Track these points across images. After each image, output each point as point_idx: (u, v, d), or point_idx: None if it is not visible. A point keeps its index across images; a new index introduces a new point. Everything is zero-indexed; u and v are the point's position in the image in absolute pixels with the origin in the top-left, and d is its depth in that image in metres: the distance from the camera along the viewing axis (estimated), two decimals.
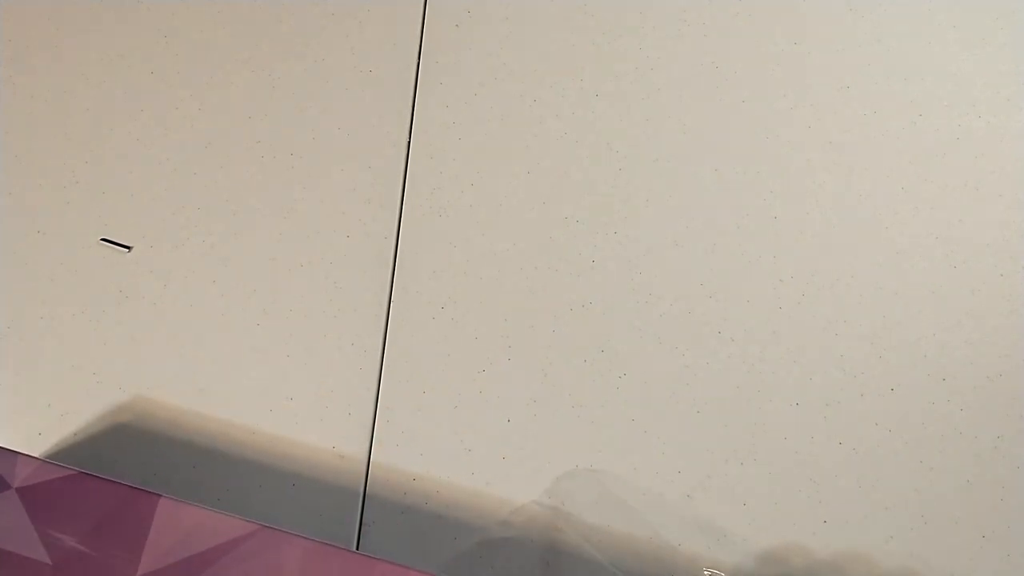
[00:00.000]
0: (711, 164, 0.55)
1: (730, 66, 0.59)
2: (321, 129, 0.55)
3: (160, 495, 0.38)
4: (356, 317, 0.50)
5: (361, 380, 0.49)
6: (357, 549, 0.46)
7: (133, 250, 0.51)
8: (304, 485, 0.46)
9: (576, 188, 0.54)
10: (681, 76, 0.58)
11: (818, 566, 0.47)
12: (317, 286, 0.51)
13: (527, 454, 0.47)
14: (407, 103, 0.56)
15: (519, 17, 0.60)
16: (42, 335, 0.49)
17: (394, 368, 0.49)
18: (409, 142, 0.55)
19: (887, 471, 0.49)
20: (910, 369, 0.51)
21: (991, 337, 0.52)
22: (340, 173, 0.54)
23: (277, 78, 0.57)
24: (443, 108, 0.56)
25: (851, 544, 0.47)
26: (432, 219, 0.53)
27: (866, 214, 0.55)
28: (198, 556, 0.36)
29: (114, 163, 0.53)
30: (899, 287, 0.53)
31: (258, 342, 0.50)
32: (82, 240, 0.51)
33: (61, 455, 0.47)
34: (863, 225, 0.55)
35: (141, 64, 0.56)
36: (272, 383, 0.49)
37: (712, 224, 0.54)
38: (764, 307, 0.52)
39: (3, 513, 0.36)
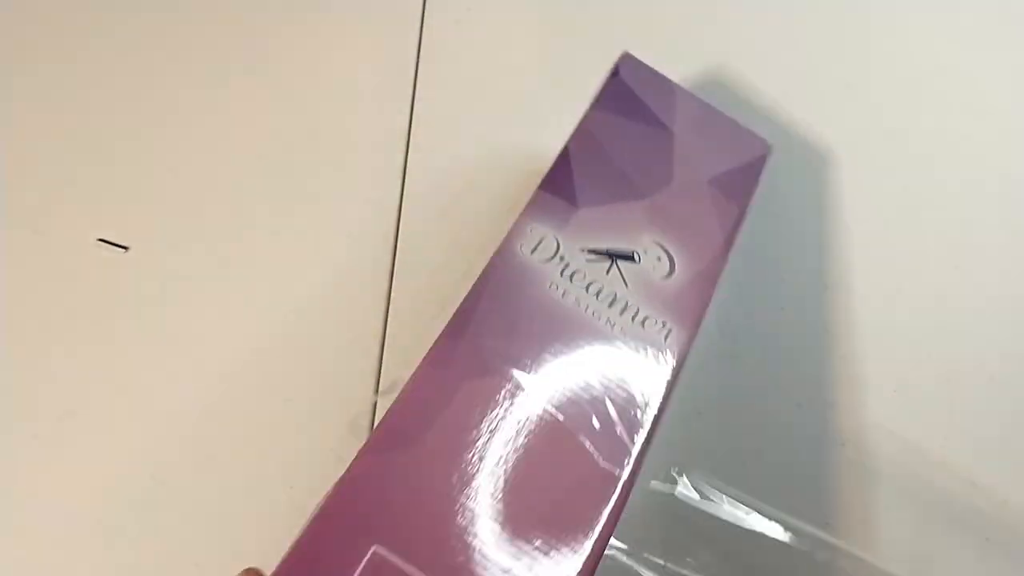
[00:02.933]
0: None
1: (729, 67, 0.59)
2: (321, 129, 0.55)
3: None
4: (356, 317, 0.50)
5: (361, 380, 0.49)
6: None
7: (131, 250, 0.51)
8: (303, 487, 0.46)
9: None
10: (682, 75, 0.58)
11: (819, 568, 0.47)
12: (317, 286, 0.51)
13: None
14: (407, 103, 0.56)
15: (519, 17, 0.60)
16: (41, 335, 0.49)
17: (394, 368, 0.49)
18: (409, 141, 0.55)
19: (888, 472, 0.49)
20: (912, 369, 0.51)
21: (993, 337, 0.52)
22: (340, 173, 0.54)
23: (277, 78, 0.57)
24: (443, 108, 0.56)
25: (852, 545, 0.47)
26: (432, 219, 0.53)
27: (866, 213, 0.55)
28: None
29: (113, 163, 0.53)
30: (900, 287, 0.53)
31: (258, 342, 0.50)
32: (80, 240, 0.51)
33: None
34: (864, 224, 0.55)
35: (141, 64, 0.56)
36: (272, 383, 0.49)
37: None
38: (764, 307, 0.52)
39: None
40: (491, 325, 0.35)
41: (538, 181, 0.40)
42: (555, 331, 0.36)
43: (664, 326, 0.37)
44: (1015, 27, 0.62)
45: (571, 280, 0.37)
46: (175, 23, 0.58)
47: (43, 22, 0.57)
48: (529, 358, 0.35)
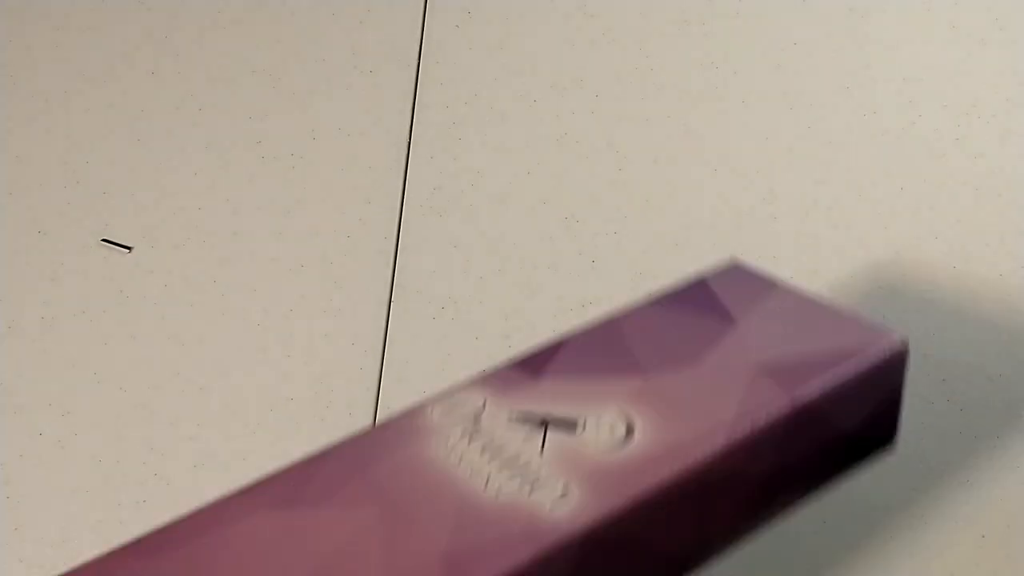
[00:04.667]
0: (711, 164, 0.56)
1: (730, 66, 0.59)
2: (321, 129, 0.55)
3: None
4: (356, 317, 0.51)
5: (361, 380, 0.49)
6: None
7: (133, 250, 0.51)
8: None
9: (576, 188, 0.54)
10: (681, 76, 0.58)
11: (818, 567, 0.47)
12: (317, 286, 0.51)
13: None
14: (407, 103, 0.57)
15: (519, 17, 0.60)
16: (42, 335, 0.49)
17: (394, 368, 0.49)
18: (409, 142, 0.55)
19: (888, 471, 0.49)
20: (911, 369, 0.51)
21: (992, 337, 0.52)
22: (340, 173, 0.54)
23: (277, 78, 0.57)
24: (443, 108, 0.56)
25: (852, 545, 0.47)
26: (432, 219, 0.53)
27: (866, 213, 0.55)
28: None
29: (114, 163, 0.54)
30: (900, 287, 0.53)
31: (258, 342, 0.50)
32: (82, 240, 0.51)
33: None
34: (863, 224, 0.55)
35: (141, 64, 0.56)
36: (272, 383, 0.49)
37: (712, 224, 0.54)
38: None
39: None
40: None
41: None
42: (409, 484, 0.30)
43: (562, 489, 0.29)
44: (1015, 27, 0.63)
45: (469, 443, 0.31)
46: (177, 24, 0.58)
47: (44, 23, 0.58)
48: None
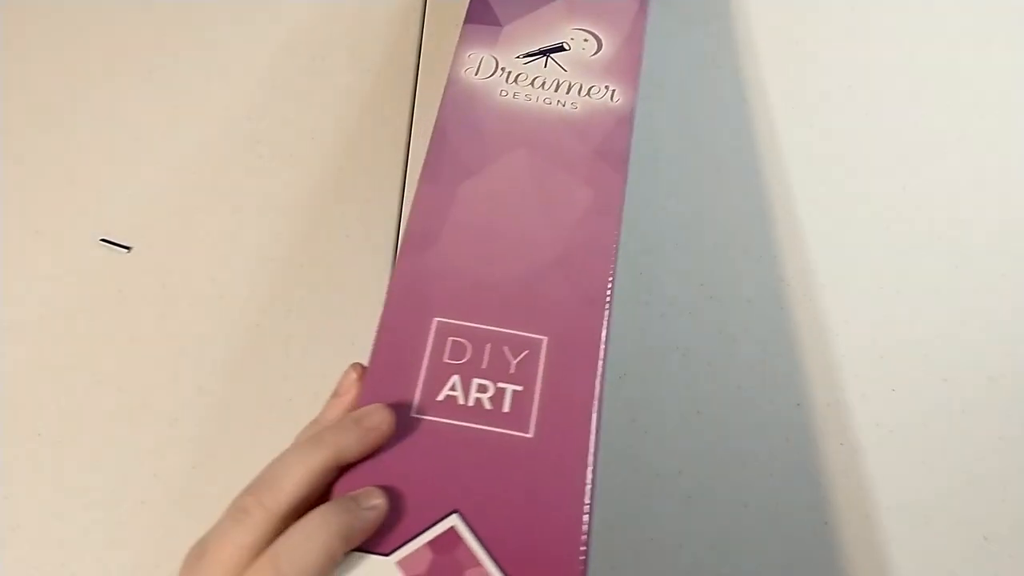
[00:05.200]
0: (711, 164, 0.55)
1: (729, 66, 0.59)
2: (321, 129, 0.55)
3: None
4: (356, 317, 0.50)
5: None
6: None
7: (132, 250, 0.51)
8: None
9: None
10: (681, 76, 0.58)
11: (819, 568, 0.47)
12: (317, 286, 0.51)
13: None
14: (407, 103, 0.56)
15: None
16: (42, 335, 0.49)
17: None
18: (409, 142, 0.55)
19: (888, 472, 0.49)
20: (911, 369, 0.51)
21: (992, 337, 0.52)
22: (340, 173, 0.54)
23: (277, 78, 0.57)
24: None
25: (851, 545, 0.47)
26: None
27: (866, 213, 0.55)
28: None
29: (114, 163, 0.53)
30: (900, 287, 0.53)
31: (258, 342, 0.50)
32: (82, 240, 0.51)
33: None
34: (863, 225, 0.55)
35: (141, 64, 0.56)
36: (272, 383, 0.49)
37: (712, 224, 0.54)
38: (764, 307, 0.52)
39: None
40: (461, 138, 0.42)
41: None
42: (517, 126, 0.43)
43: (607, 89, 0.45)
44: (1015, 27, 0.62)
45: (516, 83, 0.44)
46: (177, 24, 0.58)
47: (44, 22, 0.57)
48: (502, 150, 0.42)
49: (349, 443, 0.34)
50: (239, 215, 0.53)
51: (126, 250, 0.51)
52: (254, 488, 0.34)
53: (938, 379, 0.51)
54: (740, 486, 0.48)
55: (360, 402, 0.36)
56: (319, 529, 0.32)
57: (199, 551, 0.33)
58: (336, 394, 0.38)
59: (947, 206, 0.56)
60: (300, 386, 0.49)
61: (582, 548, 0.33)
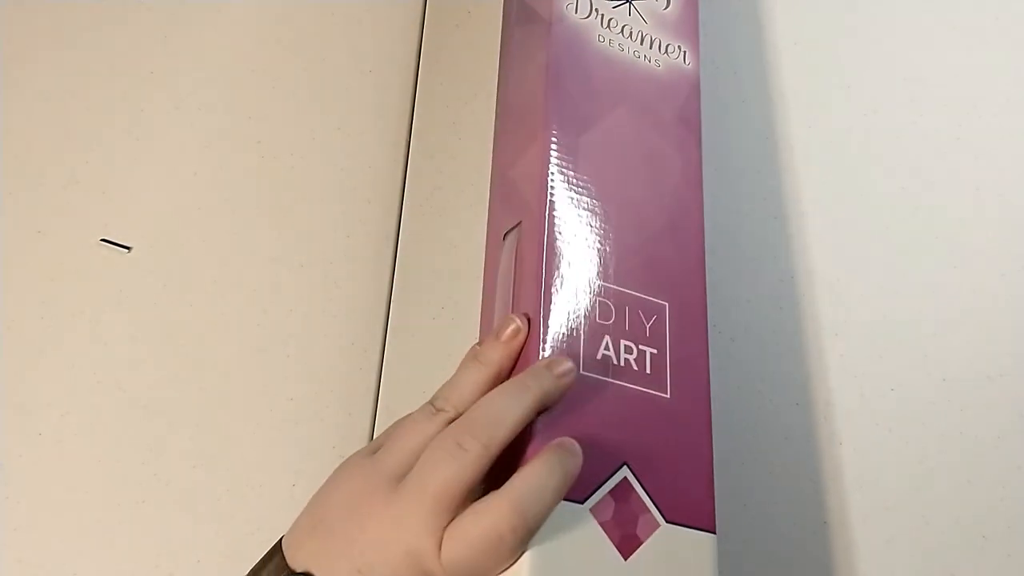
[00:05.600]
0: (712, 164, 0.55)
1: (730, 66, 0.59)
2: (321, 129, 0.55)
3: None
4: (356, 317, 0.50)
5: (361, 380, 0.49)
6: None
7: (133, 250, 0.51)
8: (304, 486, 0.46)
9: None
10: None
11: (818, 567, 0.47)
12: (317, 286, 0.51)
13: None
14: (407, 103, 0.56)
15: None
16: (42, 335, 0.49)
17: (394, 368, 0.49)
18: (409, 142, 0.55)
19: (887, 471, 0.49)
20: (910, 369, 0.51)
21: (992, 337, 0.52)
22: (340, 173, 0.54)
23: (277, 78, 0.57)
24: (443, 108, 0.56)
25: (851, 545, 0.47)
26: (432, 219, 0.53)
27: (867, 213, 0.55)
28: None
29: (114, 163, 0.53)
30: (899, 287, 0.53)
31: (258, 342, 0.50)
32: (82, 240, 0.51)
33: None
34: (864, 224, 0.55)
35: (141, 64, 0.56)
36: (272, 383, 0.49)
37: (712, 224, 0.54)
38: (764, 307, 0.52)
39: None
40: (574, 84, 0.44)
41: None
42: (617, 80, 0.45)
43: (680, 50, 0.47)
44: (1015, 27, 0.63)
45: (610, 28, 0.46)
46: (176, 24, 0.58)
47: (44, 22, 0.57)
48: (608, 106, 0.44)
49: (549, 388, 0.36)
50: (239, 215, 0.53)
51: (126, 250, 0.51)
52: (469, 427, 0.35)
53: (938, 379, 0.51)
54: (740, 486, 0.48)
55: (529, 352, 0.38)
56: (552, 475, 0.33)
57: (384, 471, 0.35)
58: (498, 338, 0.38)
59: (947, 206, 0.56)
60: (300, 386, 0.49)
61: (712, 491, 0.38)
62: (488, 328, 0.42)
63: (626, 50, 0.46)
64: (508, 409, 0.35)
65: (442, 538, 0.33)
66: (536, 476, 0.33)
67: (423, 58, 0.58)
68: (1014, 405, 0.51)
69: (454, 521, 0.33)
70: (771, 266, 0.53)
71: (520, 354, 0.38)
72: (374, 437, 0.48)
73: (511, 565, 0.34)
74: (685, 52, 0.47)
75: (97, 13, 0.58)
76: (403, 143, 0.55)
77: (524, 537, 0.33)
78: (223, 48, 0.57)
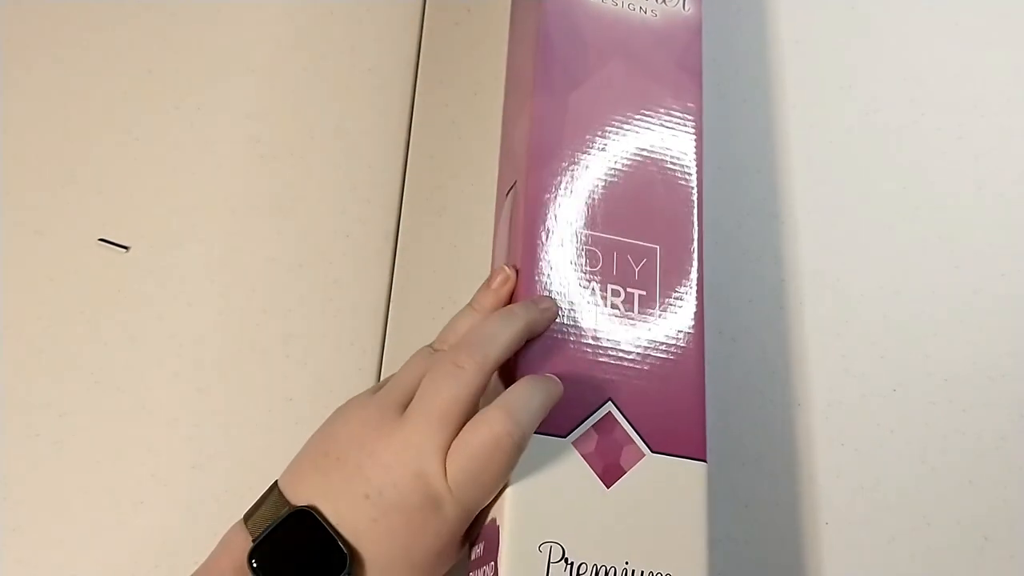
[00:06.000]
0: (712, 163, 0.55)
1: (730, 66, 0.59)
2: (321, 129, 0.55)
3: None
4: (356, 317, 0.50)
5: (361, 380, 0.49)
6: None
7: (131, 250, 0.51)
8: None
9: None
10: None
11: (819, 568, 0.47)
12: (317, 286, 0.51)
13: None
14: (407, 103, 0.56)
15: None
16: (41, 335, 0.49)
17: (394, 368, 0.49)
18: (409, 142, 0.55)
19: (889, 472, 0.49)
20: (911, 369, 0.51)
21: (993, 337, 0.52)
22: (340, 173, 0.54)
23: (277, 78, 0.56)
24: (443, 108, 0.56)
25: (853, 546, 0.47)
26: (432, 219, 0.53)
27: (867, 213, 0.55)
28: None
29: (113, 163, 0.53)
30: (900, 287, 0.53)
31: (258, 342, 0.49)
32: (80, 240, 0.51)
33: None
34: (864, 224, 0.55)
35: (140, 64, 0.56)
36: (271, 383, 0.49)
37: (713, 223, 0.54)
38: (764, 307, 0.52)
39: None
40: (565, 46, 0.46)
41: None
42: (610, 34, 0.46)
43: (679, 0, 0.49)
44: (1017, 26, 0.62)
45: None
46: (175, 23, 0.58)
47: (43, 22, 0.57)
48: (601, 60, 0.46)
49: (535, 316, 0.39)
50: (239, 215, 0.52)
51: (125, 250, 0.51)
52: (465, 347, 0.37)
53: (938, 379, 0.51)
54: (740, 486, 0.48)
55: (519, 299, 0.41)
56: (535, 391, 0.36)
57: (389, 402, 0.38)
58: (488, 286, 0.42)
59: (947, 206, 0.56)
60: (300, 386, 0.49)
61: (704, 425, 0.40)
62: None
63: (620, 4, 0.47)
64: (500, 330, 0.38)
65: (447, 456, 0.35)
66: (523, 389, 0.36)
67: (423, 57, 0.58)
68: (1015, 405, 0.51)
69: (456, 437, 0.35)
70: (772, 266, 0.53)
71: (510, 301, 0.41)
72: None
73: (503, 491, 0.37)
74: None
75: (96, 13, 0.58)
76: (403, 143, 0.55)
77: (519, 442, 0.35)
78: (222, 48, 0.57)
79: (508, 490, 0.36)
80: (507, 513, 0.36)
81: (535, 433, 0.37)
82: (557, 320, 0.40)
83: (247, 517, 0.37)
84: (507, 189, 0.46)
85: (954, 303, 0.53)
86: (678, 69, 0.47)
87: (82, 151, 0.54)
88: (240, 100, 0.56)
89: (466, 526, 0.37)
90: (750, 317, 0.52)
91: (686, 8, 0.49)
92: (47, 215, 0.52)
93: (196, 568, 0.37)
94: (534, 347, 0.39)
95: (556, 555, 0.36)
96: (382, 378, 0.49)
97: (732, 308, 0.52)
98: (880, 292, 0.53)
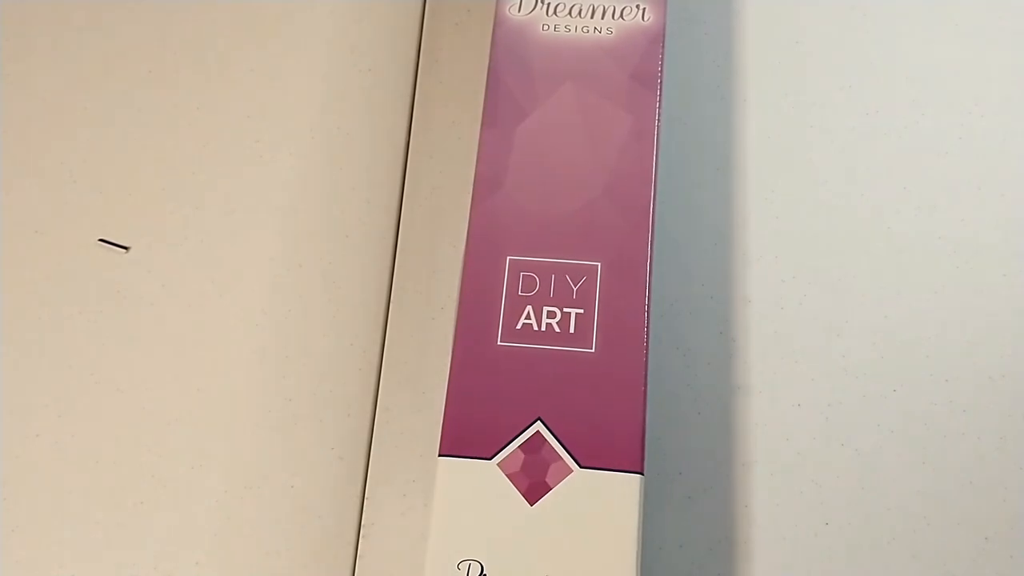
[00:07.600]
0: (712, 163, 0.55)
1: (731, 66, 0.59)
2: (320, 128, 0.55)
3: None
4: (355, 317, 0.50)
5: (361, 380, 0.49)
6: (357, 549, 0.46)
7: (131, 250, 0.51)
8: (303, 486, 0.46)
9: None
10: (684, 76, 0.58)
11: (819, 568, 0.47)
12: (316, 286, 0.51)
13: None
14: (407, 103, 0.56)
15: None
16: (41, 335, 0.49)
17: (393, 368, 0.49)
18: (409, 142, 0.55)
19: (889, 472, 0.49)
20: (912, 370, 0.51)
21: (994, 337, 0.52)
22: (340, 173, 0.54)
23: (276, 78, 0.57)
24: (443, 108, 0.56)
25: (853, 546, 0.47)
26: (432, 219, 0.53)
27: (867, 213, 0.55)
28: None
29: (112, 162, 0.53)
30: (901, 287, 0.53)
31: (257, 342, 0.50)
32: (80, 240, 0.51)
33: None
34: (864, 224, 0.55)
35: (140, 64, 0.56)
36: (271, 383, 0.49)
37: (713, 223, 0.54)
38: (764, 307, 0.52)
39: None
40: (512, 79, 0.46)
41: None
42: (560, 60, 0.47)
43: (638, 8, 0.48)
44: (1018, 26, 0.62)
45: (556, 14, 0.48)
46: (175, 23, 0.58)
47: (44, 22, 0.57)
48: (551, 87, 0.46)
49: None
50: (239, 215, 0.53)
51: (124, 250, 0.51)
52: None
53: (939, 379, 0.51)
54: (740, 486, 0.48)
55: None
56: None
57: None
58: None
59: (947, 206, 0.56)
60: (300, 386, 0.49)
61: (641, 439, 0.40)
62: None
63: (573, 29, 0.48)
64: None
65: None
66: None
67: (422, 57, 0.58)
68: (1017, 406, 0.51)
69: None
70: (772, 266, 0.53)
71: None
72: (374, 437, 0.48)
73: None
74: (644, 8, 0.48)
75: (97, 13, 0.58)
76: (403, 143, 0.55)
77: None
78: (223, 48, 0.57)
79: (433, 515, 0.38)
80: (430, 534, 0.37)
81: (460, 457, 0.38)
82: (487, 344, 0.41)
83: None
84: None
85: (954, 303, 0.53)
86: (631, 80, 0.47)
87: (82, 151, 0.54)
88: (240, 101, 0.56)
89: None
90: (752, 317, 0.52)
91: (645, 18, 0.48)
92: (47, 215, 0.52)
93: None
94: (465, 367, 0.40)
95: (475, 572, 0.37)
96: (382, 378, 0.49)
97: (733, 309, 0.52)
98: (882, 292, 0.53)
